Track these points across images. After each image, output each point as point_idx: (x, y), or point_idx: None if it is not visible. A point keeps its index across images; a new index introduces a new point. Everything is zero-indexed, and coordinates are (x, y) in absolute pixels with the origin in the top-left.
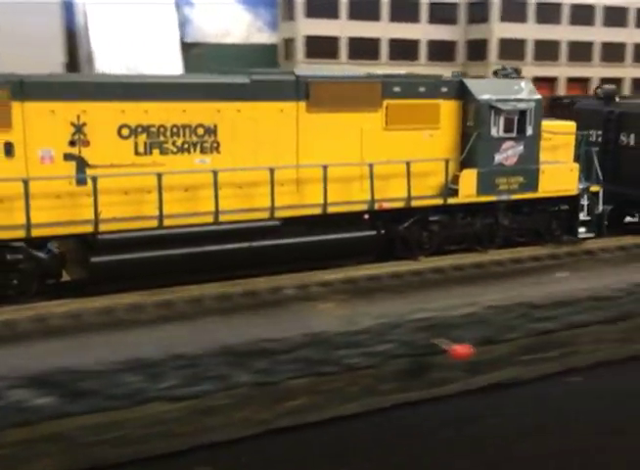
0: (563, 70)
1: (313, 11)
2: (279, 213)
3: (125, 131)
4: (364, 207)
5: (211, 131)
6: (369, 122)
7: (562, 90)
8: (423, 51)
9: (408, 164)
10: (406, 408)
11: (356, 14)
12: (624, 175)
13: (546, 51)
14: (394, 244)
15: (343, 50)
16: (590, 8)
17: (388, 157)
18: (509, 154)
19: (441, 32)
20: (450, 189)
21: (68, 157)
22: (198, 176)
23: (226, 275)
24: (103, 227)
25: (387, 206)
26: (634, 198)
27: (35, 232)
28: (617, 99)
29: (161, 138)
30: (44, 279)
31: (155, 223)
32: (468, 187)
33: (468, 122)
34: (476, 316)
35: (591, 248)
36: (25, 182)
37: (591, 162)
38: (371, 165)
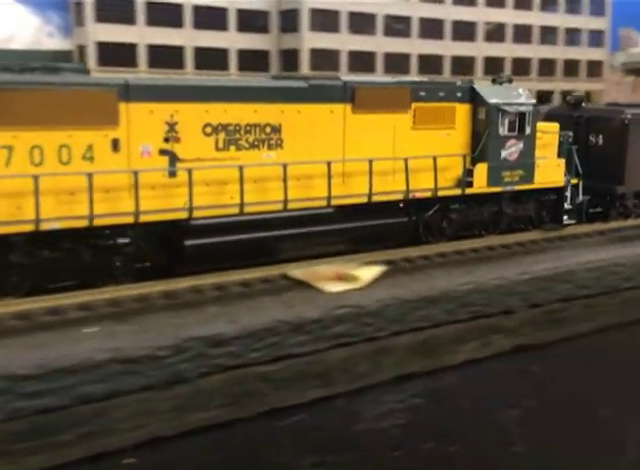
0: None
1: (106, 16)
2: (334, 202)
3: (209, 129)
4: (400, 196)
5: (277, 129)
6: (400, 122)
7: None
8: (233, 60)
9: (435, 158)
10: None
11: (156, 20)
12: (593, 171)
13: (362, 62)
14: (419, 230)
15: (143, 58)
16: (407, 19)
17: (415, 153)
18: (512, 150)
19: (253, 41)
20: (466, 181)
21: (162, 152)
22: (265, 169)
23: (289, 257)
24: (195, 214)
25: (419, 195)
26: (602, 190)
27: (143, 218)
28: (584, 105)
29: (237, 135)
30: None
31: (236, 210)
32: (480, 179)
33: (479, 122)
34: None
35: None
36: (136, 173)
37: (571, 158)
38: (406, 160)
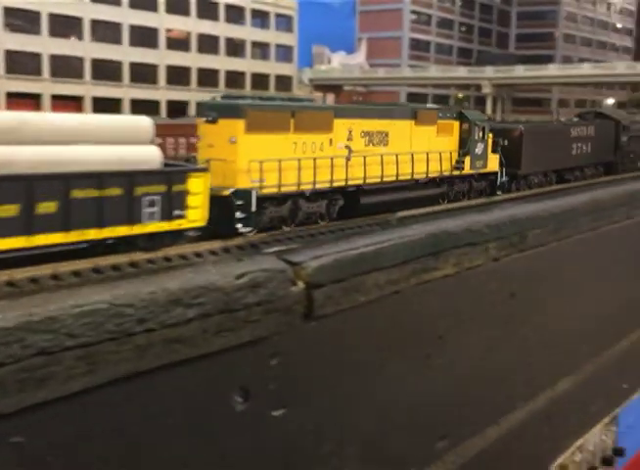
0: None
1: None
2: (415, 176)
3: (362, 134)
4: (438, 174)
5: (387, 135)
6: (432, 131)
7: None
8: None
9: (450, 153)
10: None
11: None
12: (504, 161)
13: (24, 64)
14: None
15: None
16: (78, 20)
17: (438, 149)
18: (479, 148)
19: None
20: (461, 166)
21: (345, 146)
22: (385, 157)
23: (402, 209)
24: (366, 181)
25: (445, 174)
26: (508, 173)
27: (349, 183)
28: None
29: (372, 138)
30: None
31: (379, 180)
32: (467, 165)
33: (463, 131)
34: None
35: None
36: (348, 159)
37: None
38: (440, 153)
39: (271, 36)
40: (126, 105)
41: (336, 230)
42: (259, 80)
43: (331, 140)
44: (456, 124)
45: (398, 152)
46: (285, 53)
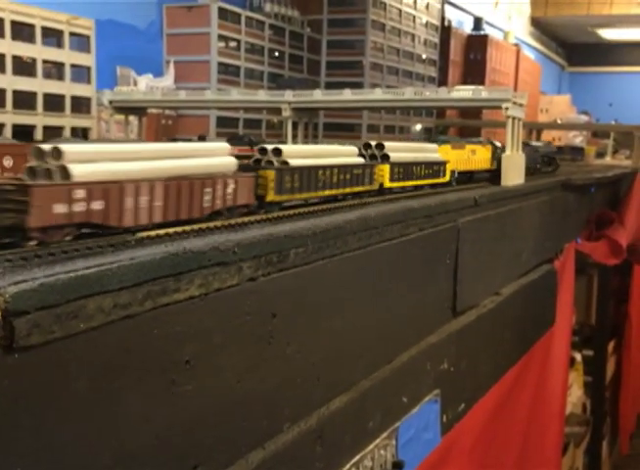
0: None
1: None
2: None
3: (471, 150)
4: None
5: (475, 151)
6: (484, 150)
7: None
8: None
9: (488, 159)
10: None
11: None
12: None
13: None
14: None
15: None
16: None
17: (486, 158)
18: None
19: None
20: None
21: (467, 155)
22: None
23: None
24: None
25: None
26: None
27: (470, 169)
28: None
29: (473, 152)
30: None
31: (478, 168)
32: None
33: (492, 151)
34: None
35: None
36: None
37: None
38: (486, 159)
39: (65, 56)
40: None
41: (57, 253)
42: (54, 101)
43: (464, 152)
44: (490, 146)
45: (479, 158)
46: (82, 74)
